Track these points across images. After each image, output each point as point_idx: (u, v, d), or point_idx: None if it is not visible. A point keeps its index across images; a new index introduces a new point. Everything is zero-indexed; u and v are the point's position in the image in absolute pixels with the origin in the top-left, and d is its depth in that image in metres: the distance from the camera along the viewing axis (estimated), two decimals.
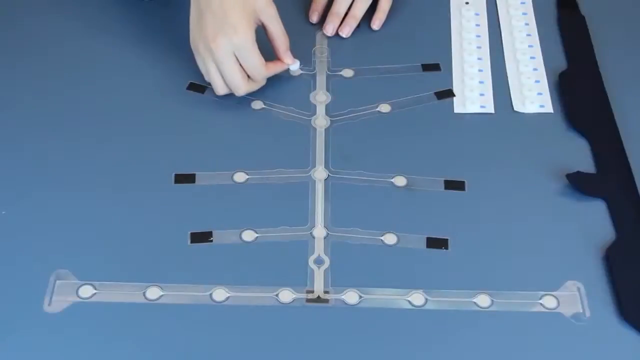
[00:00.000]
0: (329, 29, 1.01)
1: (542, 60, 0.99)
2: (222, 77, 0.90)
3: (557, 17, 1.05)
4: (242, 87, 0.91)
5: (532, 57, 1.00)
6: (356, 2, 1.01)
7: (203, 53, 0.90)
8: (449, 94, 0.96)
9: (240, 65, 0.90)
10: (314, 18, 1.03)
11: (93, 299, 0.77)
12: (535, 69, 0.98)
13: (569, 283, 0.79)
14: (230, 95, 0.93)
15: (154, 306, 0.76)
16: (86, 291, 0.77)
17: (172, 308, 0.76)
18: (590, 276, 0.79)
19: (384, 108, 0.94)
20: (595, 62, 0.98)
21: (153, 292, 0.77)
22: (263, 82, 0.93)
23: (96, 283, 0.78)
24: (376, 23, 1.02)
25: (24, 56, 0.99)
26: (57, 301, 0.76)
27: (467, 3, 1.07)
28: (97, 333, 0.75)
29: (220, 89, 0.91)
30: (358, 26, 1.02)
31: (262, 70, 0.91)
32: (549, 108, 0.94)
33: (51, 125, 0.91)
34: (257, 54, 0.90)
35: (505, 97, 0.96)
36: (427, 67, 0.99)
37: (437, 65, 0.99)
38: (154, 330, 0.75)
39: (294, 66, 0.96)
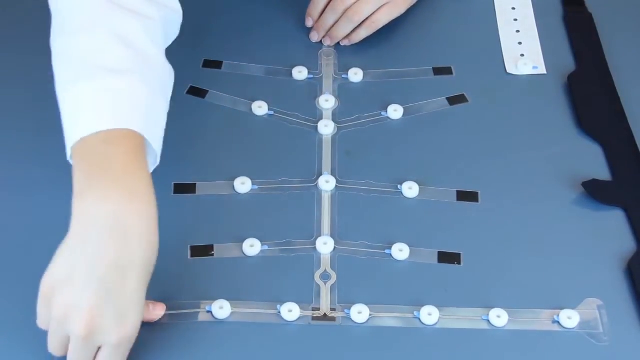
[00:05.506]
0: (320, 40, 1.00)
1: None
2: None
3: (563, 16, 1.04)
4: None
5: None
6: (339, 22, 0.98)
7: (60, 315, 0.66)
8: (462, 99, 0.94)
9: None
10: (315, 37, 1.00)
11: None
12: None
13: (589, 300, 0.78)
14: (231, 101, 0.92)
15: (152, 324, 0.74)
16: None
17: (172, 326, 0.74)
18: (611, 291, 0.78)
19: (394, 114, 0.92)
20: (606, 63, 0.97)
21: None
22: None
23: None
24: (344, 42, 0.99)
25: (20, 58, 0.97)
26: None
27: None
28: None
29: (58, 352, 0.69)
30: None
31: None
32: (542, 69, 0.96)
33: (49, 128, 0.88)
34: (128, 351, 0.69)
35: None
36: (438, 71, 0.97)
37: (449, 69, 0.97)
38: (153, 349, 0.73)
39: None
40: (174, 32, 0.84)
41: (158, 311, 0.74)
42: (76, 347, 0.67)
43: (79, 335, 0.65)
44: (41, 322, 0.69)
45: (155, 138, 0.73)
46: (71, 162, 0.70)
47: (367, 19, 0.97)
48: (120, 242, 0.66)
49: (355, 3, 0.96)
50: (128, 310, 0.66)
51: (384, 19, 0.97)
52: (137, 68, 0.73)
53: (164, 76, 0.78)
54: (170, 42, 0.84)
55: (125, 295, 0.66)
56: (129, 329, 0.67)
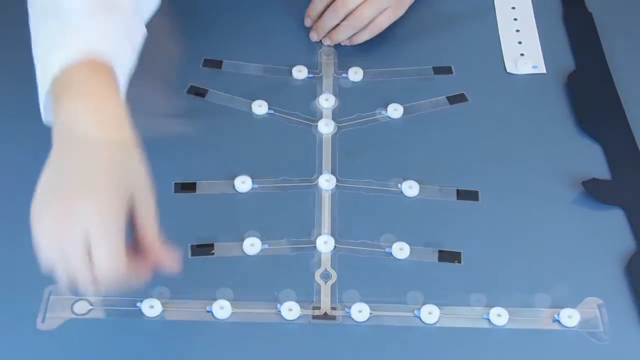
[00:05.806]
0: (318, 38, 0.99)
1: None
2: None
3: (563, 16, 1.03)
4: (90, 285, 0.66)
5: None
6: (341, 27, 0.98)
7: (48, 226, 0.65)
8: (462, 98, 0.94)
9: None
10: (315, 37, 0.99)
11: (89, 316, 0.75)
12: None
13: (589, 299, 0.77)
14: (231, 100, 0.91)
15: (152, 323, 0.75)
16: (81, 307, 0.76)
17: (172, 325, 0.75)
18: (611, 290, 0.78)
19: (394, 113, 0.92)
20: (606, 63, 0.97)
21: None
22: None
23: (92, 299, 0.76)
24: (345, 42, 0.98)
25: (19, 58, 0.94)
26: (51, 318, 0.75)
27: None
28: (92, 351, 0.73)
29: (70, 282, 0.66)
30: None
31: (120, 267, 0.65)
32: (542, 69, 0.96)
33: (46, 129, 0.89)
34: (121, 241, 0.65)
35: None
36: (438, 70, 0.97)
37: (449, 68, 0.97)
38: (153, 348, 0.73)
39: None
40: (154, 1, 0.84)
41: (168, 261, 0.68)
42: (71, 252, 0.63)
43: (65, 227, 0.63)
44: (45, 254, 0.65)
45: (120, 72, 0.73)
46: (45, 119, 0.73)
47: (369, 22, 0.97)
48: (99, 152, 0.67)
49: (357, 7, 0.95)
50: (102, 187, 0.64)
51: (386, 22, 0.97)
52: (100, 10, 0.73)
53: (133, 26, 0.78)
54: (151, 11, 0.83)
55: (95, 181, 0.65)
56: (105, 201, 0.64)
